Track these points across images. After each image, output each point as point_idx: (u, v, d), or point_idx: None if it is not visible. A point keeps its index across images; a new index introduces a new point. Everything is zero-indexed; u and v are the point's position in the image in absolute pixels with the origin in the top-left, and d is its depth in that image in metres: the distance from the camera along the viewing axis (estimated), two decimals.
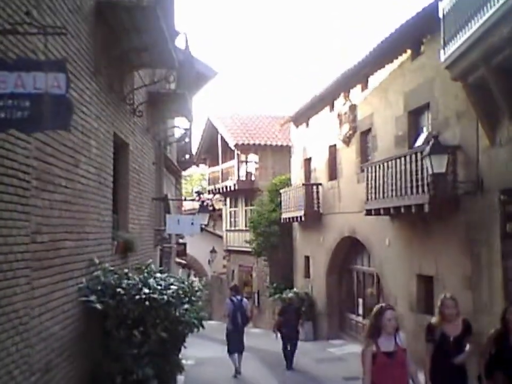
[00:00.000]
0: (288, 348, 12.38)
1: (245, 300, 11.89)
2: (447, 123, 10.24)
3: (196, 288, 6.69)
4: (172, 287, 5.85)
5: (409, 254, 11.78)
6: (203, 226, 29.32)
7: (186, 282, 6.60)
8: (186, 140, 16.77)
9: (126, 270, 6.08)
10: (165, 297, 5.61)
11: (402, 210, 10.76)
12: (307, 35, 65.40)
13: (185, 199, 12.70)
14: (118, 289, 5.53)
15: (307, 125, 18.74)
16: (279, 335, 12.38)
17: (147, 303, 5.51)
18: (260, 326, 23.23)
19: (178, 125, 15.06)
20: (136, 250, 8.02)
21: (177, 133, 14.96)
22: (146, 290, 5.56)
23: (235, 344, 11.35)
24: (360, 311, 15.78)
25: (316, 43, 63.76)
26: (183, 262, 32.42)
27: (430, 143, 9.40)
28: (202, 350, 15.66)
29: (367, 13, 56.28)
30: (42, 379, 4.36)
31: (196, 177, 43.36)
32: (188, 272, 36.86)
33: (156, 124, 10.87)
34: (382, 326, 5.13)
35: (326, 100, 16.51)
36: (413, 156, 10.35)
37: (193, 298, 6.28)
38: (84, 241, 5.67)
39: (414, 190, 10.30)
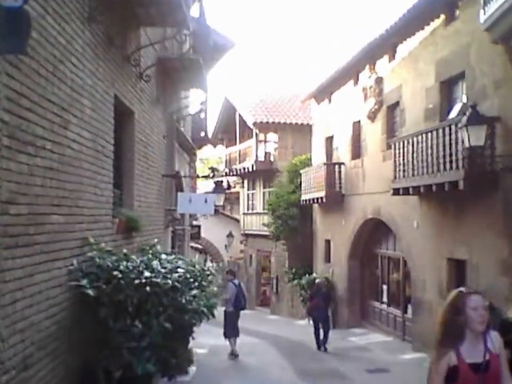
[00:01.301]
0: (321, 332, 12.94)
1: (241, 283, 12.40)
2: (484, 93, 9.27)
3: (208, 272, 5.93)
4: (178, 270, 5.10)
5: (440, 236, 10.89)
6: (218, 207, 28.74)
7: (197, 266, 5.86)
8: (202, 115, 15.94)
9: (124, 251, 5.33)
10: (170, 281, 4.86)
11: (434, 188, 9.86)
12: (307, 35, 64.34)
13: (198, 177, 11.80)
14: (115, 273, 4.79)
15: (329, 100, 17.79)
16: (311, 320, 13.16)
17: (148, 288, 4.77)
18: (279, 313, 22.51)
19: (193, 98, 14.27)
20: (141, 230, 7.28)
21: (192, 107, 14.16)
22: (148, 274, 4.82)
23: (234, 328, 11.59)
24: (385, 298, 14.94)
25: (316, 43, 63.05)
26: (199, 246, 31.97)
27: (467, 113, 8.47)
28: (216, 338, 14.98)
29: (367, 13, 54.96)
30: (18, 377, 3.66)
31: (213, 160, 42.64)
32: (205, 257, 36.34)
33: (167, 93, 10.07)
34: (466, 322, 3.29)
35: (350, 73, 15.54)
36: (447, 129, 9.42)
37: (203, 283, 5.52)
38: (77, 217, 4.94)
39: (448, 166, 9.38)
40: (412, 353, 11.77)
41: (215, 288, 9.67)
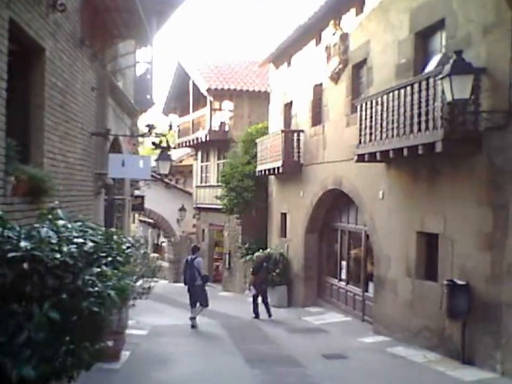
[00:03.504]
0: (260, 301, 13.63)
1: (198, 259, 12.35)
2: (468, 41, 8.04)
3: (127, 245, 4.46)
4: (76, 240, 3.63)
5: (409, 207, 9.76)
6: (168, 179, 27.01)
7: (115, 237, 4.38)
8: (148, 76, 14.29)
9: (0, 212, 3.81)
10: (58, 255, 3.40)
11: (405, 152, 8.66)
12: None
13: (132, 135, 10.18)
14: None
15: (288, 64, 16.37)
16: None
17: (25, 265, 3.30)
18: (232, 289, 21.34)
19: (138, 56, 12.63)
20: (54, 194, 5.77)
21: (136, 66, 12.52)
22: (25, 244, 3.34)
23: (190, 300, 12.25)
24: (343, 276, 13.85)
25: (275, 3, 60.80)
26: (151, 221, 30.30)
27: (451, 60, 7.24)
28: (160, 317, 13.65)
29: None
30: None
31: (169, 135, 40.66)
32: (158, 233, 34.65)
33: (97, 38, 8.42)
34: None
35: (311, 31, 14.14)
36: (423, 83, 8.19)
37: (119, 258, 4.06)
38: None
39: (423, 126, 8.18)
40: (372, 336, 10.72)
41: (142, 265, 8.29)
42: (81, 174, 7.55)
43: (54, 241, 3.58)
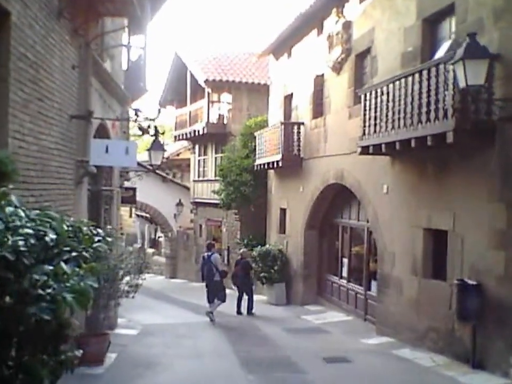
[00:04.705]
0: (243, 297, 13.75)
1: (214, 255, 12.73)
2: (480, 26, 7.55)
3: (97, 238, 3.77)
4: (24, 231, 3.03)
5: (415, 202, 9.30)
6: (165, 173, 26.32)
7: (84, 228, 3.69)
8: (141, 63, 13.69)
9: None
10: None
11: (413, 144, 8.18)
12: None
13: (117, 119, 9.51)
14: None
15: (289, 55, 15.86)
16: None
17: None
18: (230, 286, 20.78)
19: (128, 38, 12.05)
20: (15, 179, 5.12)
21: (122, 44, 11.87)
22: None
23: (208, 295, 12.57)
24: (344, 273, 13.39)
25: None
26: (147, 216, 29.74)
27: (464, 44, 6.76)
28: (153, 315, 13.15)
29: None
30: None
31: (168, 128, 39.82)
32: (155, 228, 34.07)
33: (79, 11, 7.60)
34: None
35: (313, 20, 13.63)
36: (433, 70, 7.71)
37: (84, 254, 3.42)
38: None
39: (432, 116, 7.70)
40: (375, 336, 10.26)
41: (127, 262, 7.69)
42: (59, 160, 6.82)
43: None
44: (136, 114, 8.39)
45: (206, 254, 12.89)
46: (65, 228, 3.42)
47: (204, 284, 12.86)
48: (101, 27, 8.91)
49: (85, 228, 3.61)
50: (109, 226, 4.28)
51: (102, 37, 8.95)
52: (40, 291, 2.70)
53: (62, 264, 2.90)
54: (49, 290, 2.72)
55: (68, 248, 3.19)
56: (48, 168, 6.18)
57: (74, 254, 3.17)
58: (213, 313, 12.40)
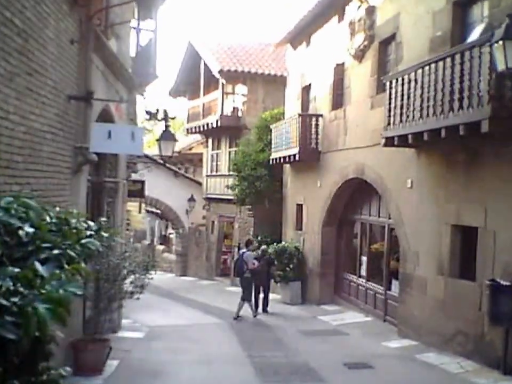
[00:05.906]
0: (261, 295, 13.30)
1: (247, 253, 12.83)
2: None
3: (86, 234, 3.21)
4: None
5: (442, 197, 8.71)
6: (176, 168, 25.74)
7: (73, 220, 3.14)
8: (151, 47, 13.15)
9: None
10: None
11: (444, 133, 7.60)
12: None
13: (122, 101, 8.86)
14: None
15: (308, 43, 15.27)
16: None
17: None
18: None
19: (137, 18, 11.53)
20: (2, 166, 4.62)
21: (131, 23, 11.33)
22: None
23: (242, 292, 12.53)
24: (363, 272, 12.83)
25: None
26: (158, 211, 29.20)
27: (504, 24, 6.16)
28: (161, 315, 12.59)
29: None
30: None
31: (180, 121, 39.23)
32: (166, 224, 33.53)
33: None
34: None
35: (334, 6, 13.05)
36: (466, 53, 7.12)
37: (69, 252, 2.84)
38: None
39: (465, 103, 7.12)
40: (397, 339, 9.70)
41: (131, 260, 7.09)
42: (53, 145, 6.12)
43: None
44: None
45: (241, 250, 13.12)
46: (48, 219, 2.87)
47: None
48: (106, 0, 8.31)
49: (73, 220, 3.08)
50: (103, 219, 3.63)
51: (106, 12, 8.32)
52: (2, 301, 2.11)
53: (37, 264, 2.34)
54: (15, 299, 2.13)
55: (47, 245, 2.64)
56: (38, 154, 5.52)
57: (55, 252, 2.62)
58: (257, 310, 12.61)
